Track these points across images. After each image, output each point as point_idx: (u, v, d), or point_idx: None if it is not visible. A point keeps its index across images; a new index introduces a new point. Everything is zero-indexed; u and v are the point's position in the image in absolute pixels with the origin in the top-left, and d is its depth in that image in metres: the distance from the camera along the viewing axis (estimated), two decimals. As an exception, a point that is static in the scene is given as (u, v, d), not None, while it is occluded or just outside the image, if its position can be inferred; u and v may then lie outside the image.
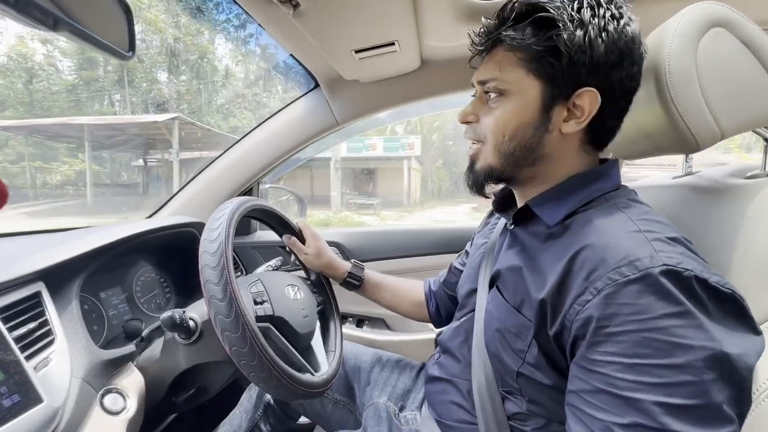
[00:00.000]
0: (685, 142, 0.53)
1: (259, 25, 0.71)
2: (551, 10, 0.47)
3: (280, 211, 0.80)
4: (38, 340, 0.56)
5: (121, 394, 0.64)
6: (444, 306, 0.87)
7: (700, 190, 0.61)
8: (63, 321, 0.62)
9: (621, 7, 0.48)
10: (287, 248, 0.89)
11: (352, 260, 0.90)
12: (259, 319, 0.64)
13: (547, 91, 0.49)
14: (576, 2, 0.47)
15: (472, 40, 0.55)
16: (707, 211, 0.56)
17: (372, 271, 0.91)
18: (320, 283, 0.90)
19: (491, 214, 0.77)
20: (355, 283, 0.88)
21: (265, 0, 0.60)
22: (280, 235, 0.88)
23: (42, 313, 0.59)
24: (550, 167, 0.53)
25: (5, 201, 0.33)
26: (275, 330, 0.66)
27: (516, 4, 0.50)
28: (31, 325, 0.56)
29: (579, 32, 0.46)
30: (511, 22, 0.50)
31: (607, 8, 0.47)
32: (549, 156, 0.52)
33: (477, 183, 0.57)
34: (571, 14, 0.46)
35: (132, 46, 0.49)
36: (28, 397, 0.49)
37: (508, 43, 0.50)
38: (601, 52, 0.46)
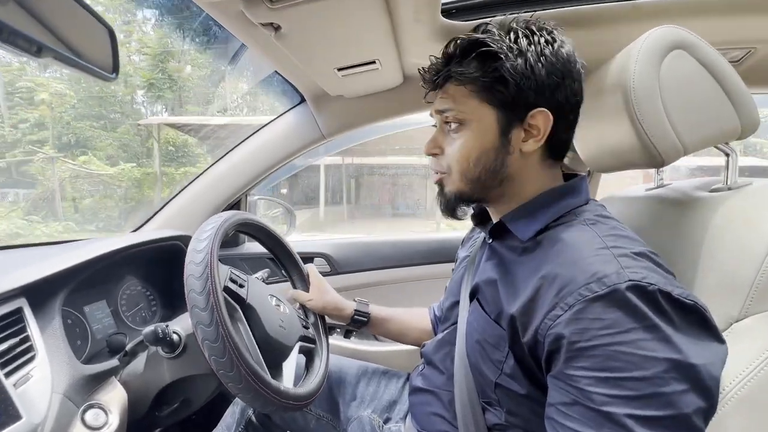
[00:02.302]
0: (650, 157, 0.55)
1: (244, 44, 0.73)
2: (491, 44, 0.51)
3: (293, 250, 0.83)
4: (19, 356, 0.56)
5: (103, 409, 0.64)
6: None
7: (668, 202, 0.63)
8: (45, 336, 0.62)
9: (552, 32, 0.53)
10: (269, 253, 0.89)
11: (356, 299, 0.90)
12: (228, 290, 0.64)
13: (502, 116, 0.53)
14: (512, 33, 0.51)
15: (423, 78, 0.58)
16: (675, 222, 0.59)
17: (377, 306, 0.91)
18: (315, 325, 0.88)
19: (474, 229, 0.79)
20: (363, 320, 0.88)
21: (248, 22, 0.62)
22: (267, 248, 0.88)
23: (23, 329, 0.59)
24: (516, 185, 0.56)
25: None
26: (242, 314, 0.66)
27: (459, 42, 0.53)
28: (12, 341, 0.56)
29: (519, 60, 0.50)
30: (457, 58, 0.53)
31: (541, 35, 0.51)
32: (513, 175, 0.55)
33: (449, 206, 0.59)
34: (510, 45, 0.50)
35: (116, 67, 0.50)
36: (7, 414, 0.49)
37: (457, 78, 0.53)
38: (543, 74, 0.50)
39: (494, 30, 0.52)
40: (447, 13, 0.72)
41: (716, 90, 0.55)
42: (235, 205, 1.23)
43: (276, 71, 0.90)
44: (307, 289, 0.89)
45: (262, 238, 0.87)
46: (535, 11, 0.73)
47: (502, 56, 0.50)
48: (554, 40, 0.52)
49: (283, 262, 0.90)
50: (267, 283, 0.86)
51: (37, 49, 0.37)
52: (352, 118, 1.08)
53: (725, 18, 0.75)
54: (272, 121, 1.14)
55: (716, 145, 0.58)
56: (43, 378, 0.57)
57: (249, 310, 0.68)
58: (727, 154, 0.59)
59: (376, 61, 0.79)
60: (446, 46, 0.55)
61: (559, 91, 0.51)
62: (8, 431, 0.48)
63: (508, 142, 0.53)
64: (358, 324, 0.88)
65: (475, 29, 0.54)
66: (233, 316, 0.65)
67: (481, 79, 0.52)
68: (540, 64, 0.50)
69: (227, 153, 1.18)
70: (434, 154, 0.59)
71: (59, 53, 0.41)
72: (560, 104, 0.52)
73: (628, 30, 0.68)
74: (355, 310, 0.88)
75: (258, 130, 1.15)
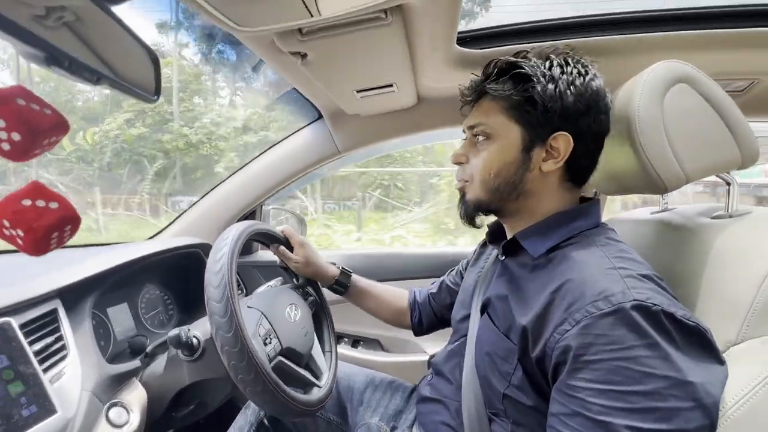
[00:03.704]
0: (654, 184, 0.58)
1: (269, 66, 0.77)
2: (526, 68, 0.55)
3: (265, 225, 0.83)
4: (54, 354, 0.60)
5: (125, 408, 0.67)
6: (427, 318, 0.92)
7: (672, 226, 0.66)
8: (76, 336, 0.65)
9: (586, 65, 0.57)
10: (278, 260, 0.91)
11: (341, 267, 0.93)
12: (271, 359, 0.67)
13: (526, 134, 0.57)
14: (548, 61, 0.56)
15: (462, 93, 0.63)
16: (677, 247, 0.61)
17: (359, 278, 0.95)
18: (309, 285, 0.93)
19: (483, 246, 0.82)
20: (340, 289, 0.92)
21: (277, 50, 0.67)
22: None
23: (57, 329, 0.63)
24: (532, 202, 0.59)
25: (78, 225, 0.37)
26: (285, 360, 0.70)
27: (498, 62, 0.58)
28: (48, 340, 0.60)
29: (551, 85, 0.54)
30: (494, 77, 0.58)
31: (574, 66, 0.56)
32: (531, 192, 0.59)
33: (468, 214, 0.63)
34: (543, 71, 0.55)
35: (158, 91, 0.55)
36: (44, 408, 0.53)
37: (492, 93, 0.58)
38: (570, 101, 0.54)
39: (531, 56, 0.57)
40: (462, 41, 0.76)
41: (717, 122, 0.58)
42: (250, 215, 1.27)
43: (295, 89, 0.94)
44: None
45: (268, 242, 0.89)
46: (545, 42, 0.76)
47: (534, 79, 0.54)
48: (587, 73, 0.56)
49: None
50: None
51: (97, 79, 0.41)
52: (367, 135, 1.12)
53: (729, 51, 0.78)
54: (290, 135, 1.19)
55: (717, 174, 0.61)
56: (74, 375, 0.61)
57: (287, 353, 0.72)
58: (728, 183, 0.62)
59: (393, 84, 0.83)
60: (486, 66, 0.60)
61: (584, 120, 0.55)
62: (45, 424, 0.52)
63: (529, 159, 0.57)
64: (336, 292, 0.92)
65: (515, 54, 0.59)
66: (281, 369, 0.69)
67: (512, 97, 0.56)
68: (569, 92, 0.54)
69: (245, 165, 1.23)
70: (460, 163, 0.64)
71: (113, 80, 0.45)
72: (583, 132, 0.56)
73: (633, 61, 0.71)
74: (336, 279, 0.91)
75: (275, 144, 1.20)
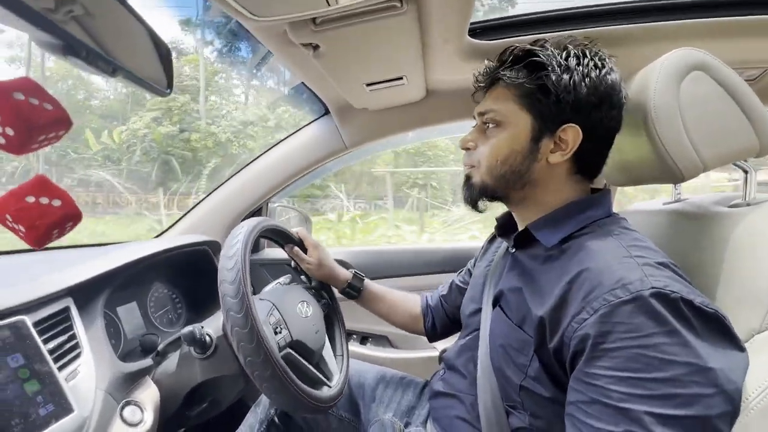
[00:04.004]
0: (670, 173, 0.57)
1: (278, 60, 0.77)
2: (542, 56, 0.55)
3: (280, 225, 0.83)
4: (68, 352, 0.59)
5: (139, 406, 0.67)
6: (440, 321, 0.91)
7: (687, 216, 0.65)
8: (89, 335, 0.65)
9: (603, 59, 0.56)
10: (290, 260, 0.91)
11: (354, 270, 0.93)
12: (280, 348, 0.67)
13: (536, 124, 0.56)
14: (564, 51, 0.55)
15: (476, 78, 0.62)
16: (694, 236, 0.61)
17: (372, 282, 0.94)
18: (322, 288, 0.93)
19: (491, 240, 0.82)
20: (353, 293, 0.91)
21: (288, 42, 0.66)
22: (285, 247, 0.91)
23: (70, 327, 0.63)
24: (539, 192, 0.59)
25: (78, 221, 0.37)
26: (294, 353, 0.70)
27: (514, 50, 0.58)
28: (62, 338, 0.60)
29: (565, 76, 0.53)
30: (508, 63, 0.58)
31: (591, 59, 0.55)
32: (537, 181, 0.59)
33: (472, 197, 0.63)
34: (559, 61, 0.54)
35: (170, 84, 0.54)
36: (61, 406, 0.52)
37: (505, 80, 0.58)
38: (584, 94, 0.54)
39: (548, 46, 0.57)
40: (473, 32, 0.75)
41: (734, 109, 0.57)
42: (257, 212, 1.27)
43: (303, 83, 0.94)
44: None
45: (277, 239, 0.89)
46: (557, 32, 0.76)
47: (549, 68, 0.54)
48: (603, 66, 0.55)
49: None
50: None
51: (113, 70, 0.41)
52: (374, 129, 1.11)
53: (741, 39, 0.77)
54: (296, 131, 1.18)
55: (735, 162, 0.60)
56: (88, 374, 0.60)
57: (297, 345, 0.71)
58: (746, 171, 0.61)
59: (403, 77, 0.83)
60: (501, 53, 0.60)
61: (596, 113, 0.55)
62: (62, 423, 0.51)
63: (537, 149, 0.57)
64: (349, 296, 0.92)
65: (532, 43, 0.58)
66: (289, 360, 0.68)
67: (525, 85, 0.56)
68: (584, 84, 0.54)
69: (251, 161, 1.22)
70: (468, 149, 0.63)
71: (127, 72, 0.44)
72: (593, 125, 0.55)
73: (646, 50, 0.71)
74: (349, 283, 0.91)
75: (282, 140, 1.19)
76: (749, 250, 0.52)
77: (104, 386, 0.62)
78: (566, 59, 0.54)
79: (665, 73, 0.57)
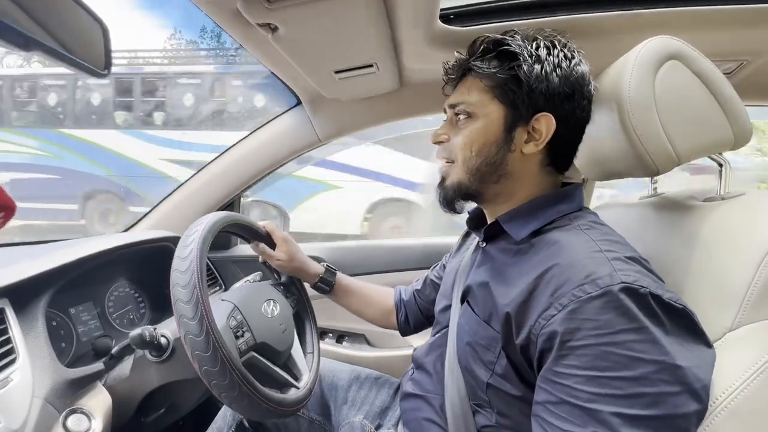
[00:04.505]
0: (645, 166, 0.56)
1: (240, 45, 0.72)
2: (513, 46, 0.54)
3: (246, 218, 0.78)
4: (-1, 358, 0.54)
5: (86, 414, 0.62)
6: (413, 316, 0.89)
7: (662, 211, 0.64)
8: (27, 339, 0.60)
9: (573, 50, 0.56)
10: (258, 257, 0.87)
11: (326, 264, 0.90)
12: (242, 353, 0.63)
13: (509, 114, 0.55)
14: (534, 42, 0.55)
15: (446, 71, 0.61)
16: (668, 231, 0.59)
17: (345, 276, 0.92)
18: (292, 283, 0.89)
19: (466, 236, 0.80)
20: (325, 288, 0.89)
21: (245, 22, 0.62)
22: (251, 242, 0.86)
23: (5, 331, 0.58)
24: (513, 185, 0.58)
25: (12, 215, 0.33)
26: (258, 356, 0.66)
27: (485, 40, 0.57)
28: (-8, 344, 0.55)
29: (537, 66, 0.53)
30: (479, 54, 0.57)
31: (561, 50, 0.55)
32: (512, 173, 0.57)
33: (447, 198, 0.62)
34: (530, 51, 0.54)
35: (108, 64, 0.49)
36: (-16, 419, 0.47)
37: (476, 71, 0.56)
38: (556, 83, 0.53)
39: (518, 36, 0.56)
40: (445, 19, 0.72)
41: (710, 101, 0.56)
42: (228, 207, 1.22)
43: (272, 72, 0.89)
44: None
45: (248, 237, 0.84)
46: (532, 19, 0.73)
47: (520, 58, 0.53)
48: (573, 57, 0.55)
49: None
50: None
51: (24, 43, 0.36)
52: (347, 121, 1.08)
53: (719, 30, 0.76)
54: (267, 122, 1.13)
55: (710, 155, 0.59)
56: (23, 382, 0.55)
57: (261, 348, 0.68)
58: (720, 165, 0.60)
59: (374, 64, 0.79)
60: (472, 44, 0.59)
61: (568, 103, 0.55)
62: None
63: (511, 140, 0.56)
64: (321, 291, 0.89)
65: (502, 33, 0.58)
66: (252, 364, 0.65)
67: (497, 75, 0.55)
68: (555, 74, 0.53)
69: (221, 154, 1.17)
70: (440, 142, 0.62)
71: (49, 48, 0.40)
72: (566, 115, 0.55)
73: (623, 40, 0.68)
74: (320, 277, 0.88)
75: (253, 132, 1.14)
76: (722, 245, 0.50)
77: (42, 394, 0.57)
78: (537, 49, 0.54)
79: (641, 62, 0.55)
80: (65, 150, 5.25)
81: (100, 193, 5.30)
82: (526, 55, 0.53)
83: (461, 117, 0.58)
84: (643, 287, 0.42)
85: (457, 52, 0.61)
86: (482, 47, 0.57)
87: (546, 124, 0.54)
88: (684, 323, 0.43)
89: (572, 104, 0.55)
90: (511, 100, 0.55)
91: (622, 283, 0.42)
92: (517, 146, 0.56)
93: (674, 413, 0.39)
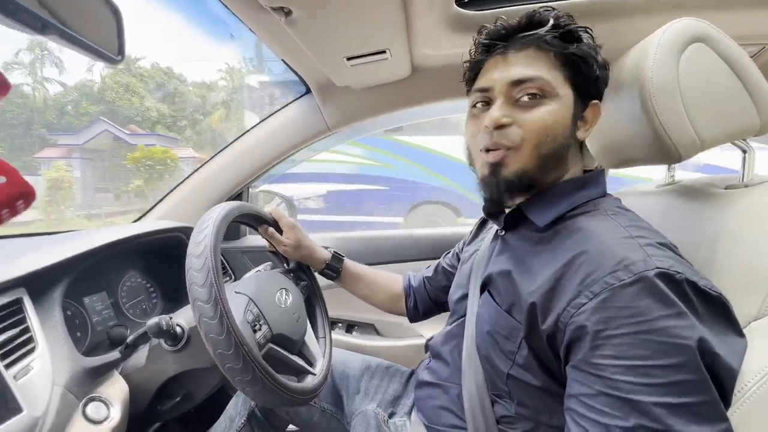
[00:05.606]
0: (667, 153, 0.54)
1: (251, 30, 0.71)
2: (572, 26, 0.52)
3: (253, 206, 0.78)
4: (19, 347, 0.55)
5: (104, 402, 0.63)
6: (422, 302, 0.89)
7: (682, 199, 0.62)
8: (45, 328, 0.60)
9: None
10: (267, 243, 0.87)
11: (332, 250, 0.89)
12: (261, 346, 0.63)
13: (577, 98, 0.53)
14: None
15: (489, 34, 0.55)
16: (688, 219, 0.58)
17: (352, 262, 0.92)
18: (300, 269, 0.89)
19: (481, 225, 0.79)
20: (332, 274, 0.88)
21: (257, 7, 0.60)
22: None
23: (23, 320, 0.58)
24: (558, 173, 0.55)
25: (32, 200, 0.32)
26: (276, 347, 0.66)
27: (542, 12, 0.53)
28: (12, 332, 0.55)
29: (593, 51, 0.52)
30: (551, 27, 0.52)
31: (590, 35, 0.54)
32: (565, 161, 0.55)
33: (506, 190, 0.54)
34: (589, 34, 0.53)
35: (121, 50, 0.48)
36: (8, 406, 0.48)
37: (548, 42, 0.51)
38: (605, 70, 0.53)
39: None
40: (460, 2, 0.70)
41: (736, 85, 0.54)
42: (237, 197, 1.22)
43: (282, 60, 0.88)
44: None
45: (256, 225, 0.83)
46: (551, 2, 0.71)
47: (583, 38, 0.51)
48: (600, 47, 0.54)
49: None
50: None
51: (41, 26, 0.35)
52: (358, 110, 1.06)
53: (740, 12, 0.74)
54: (276, 111, 1.12)
55: (734, 141, 0.57)
56: (43, 370, 0.56)
57: (278, 339, 0.68)
58: (745, 151, 0.58)
59: (386, 50, 0.77)
60: (530, 15, 0.53)
61: (604, 87, 0.55)
62: (9, 424, 0.47)
63: (576, 127, 0.54)
64: (328, 277, 0.89)
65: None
66: (271, 355, 0.65)
67: (574, 54, 0.51)
68: (600, 57, 0.52)
69: (230, 144, 1.16)
70: (503, 126, 0.51)
71: (64, 32, 0.39)
72: (601, 99, 0.55)
73: (643, 23, 0.67)
74: (327, 264, 0.87)
75: (262, 121, 1.13)
76: (746, 233, 0.49)
77: (62, 382, 0.57)
78: (585, 30, 0.53)
79: (664, 45, 0.53)
80: (399, 158, 4.62)
81: (429, 204, 4.55)
82: (585, 37, 0.51)
83: (525, 97, 0.51)
84: (679, 273, 0.40)
85: (502, 17, 0.54)
86: (541, 20, 0.52)
87: (594, 112, 0.53)
88: (719, 311, 0.42)
89: (604, 89, 0.55)
90: (579, 83, 0.52)
91: (657, 268, 0.40)
92: (576, 133, 0.54)
93: (714, 399, 0.38)
